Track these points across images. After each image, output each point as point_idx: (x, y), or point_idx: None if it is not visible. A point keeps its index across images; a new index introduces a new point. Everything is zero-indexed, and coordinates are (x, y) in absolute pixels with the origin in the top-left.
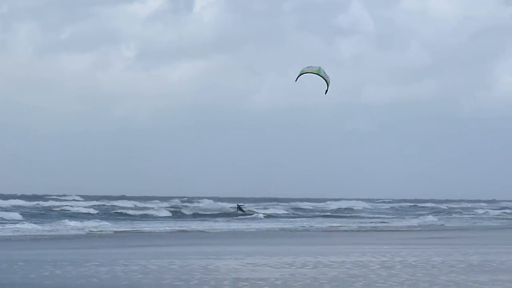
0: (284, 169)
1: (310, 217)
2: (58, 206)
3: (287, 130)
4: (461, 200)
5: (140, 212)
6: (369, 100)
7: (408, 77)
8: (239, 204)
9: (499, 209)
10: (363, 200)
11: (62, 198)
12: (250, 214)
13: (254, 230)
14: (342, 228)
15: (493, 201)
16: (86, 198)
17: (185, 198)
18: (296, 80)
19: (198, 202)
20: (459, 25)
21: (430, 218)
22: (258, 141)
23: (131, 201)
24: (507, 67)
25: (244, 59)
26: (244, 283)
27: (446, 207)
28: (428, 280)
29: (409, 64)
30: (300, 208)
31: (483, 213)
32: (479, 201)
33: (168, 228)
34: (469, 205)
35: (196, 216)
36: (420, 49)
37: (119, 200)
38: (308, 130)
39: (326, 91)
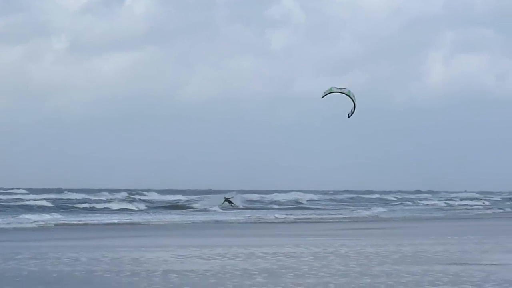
0: (217, 160)
1: (257, 208)
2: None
3: (219, 122)
4: (399, 191)
5: (99, 205)
6: (301, 92)
7: (339, 68)
8: (227, 197)
9: (443, 200)
10: (307, 192)
11: (10, 191)
12: (240, 208)
13: (190, 222)
14: (282, 220)
15: (428, 192)
16: (33, 191)
17: (129, 191)
18: (322, 97)
19: (145, 195)
20: (390, 16)
21: (380, 209)
22: (190, 132)
23: (81, 194)
24: (438, 58)
25: (176, 51)
26: (175, 275)
27: (394, 198)
28: (359, 271)
29: (340, 55)
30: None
31: (432, 204)
32: (418, 191)
33: (115, 221)
34: (413, 196)
35: (146, 208)
36: (351, 41)
37: (69, 193)
38: (239, 121)
39: (351, 113)
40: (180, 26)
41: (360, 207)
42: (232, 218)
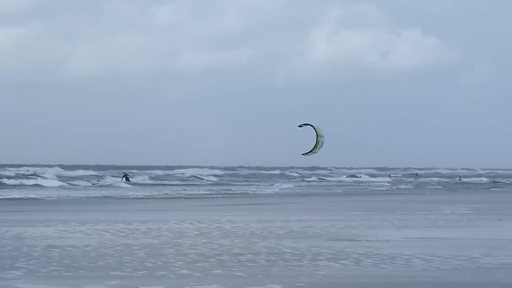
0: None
1: (160, 185)
2: None
3: (103, 97)
4: (292, 167)
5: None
6: (185, 68)
7: (223, 44)
8: (126, 173)
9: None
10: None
11: None
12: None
13: (81, 197)
14: (173, 195)
15: (311, 168)
16: None
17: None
18: (300, 126)
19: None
20: None
21: (288, 185)
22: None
23: None
24: (322, 35)
25: (60, 27)
26: (55, 249)
27: (298, 174)
28: (242, 246)
29: (224, 31)
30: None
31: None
32: (315, 167)
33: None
34: (310, 171)
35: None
36: (236, 16)
37: None
38: (123, 97)
39: (307, 153)
40: (65, 2)
41: (265, 183)
42: (129, 193)
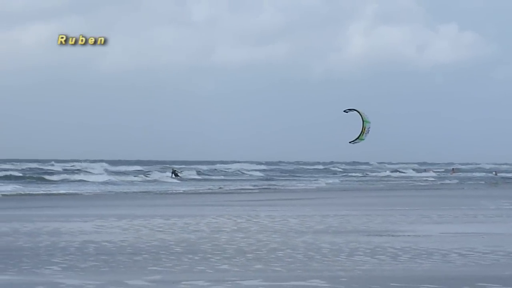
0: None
1: (208, 180)
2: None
3: (137, 92)
4: (332, 162)
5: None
6: (221, 63)
7: (260, 40)
8: (175, 169)
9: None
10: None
11: None
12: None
13: (124, 192)
14: (209, 191)
15: (352, 163)
16: None
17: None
18: (345, 111)
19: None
20: None
21: (333, 180)
22: (108, 102)
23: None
24: (359, 30)
25: (97, 22)
26: (92, 245)
27: (341, 169)
28: (280, 241)
29: (261, 27)
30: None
31: (385, 176)
32: (357, 163)
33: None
34: (351, 166)
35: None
36: (273, 12)
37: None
38: (158, 92)
39: (353, 140)
40: None
41: (311, 178)
42: (177, 188)
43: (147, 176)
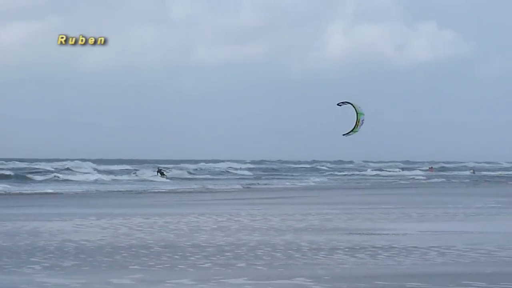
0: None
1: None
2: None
3: (118, 90)
4: (316, 161)
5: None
6: (201, 62)
7: (239, 38)
8: (160, 168)
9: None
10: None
11: None
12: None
13: (109, 191)
14: (198, 189)
15: (336, 162)
16: None
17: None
18: (339, 105)
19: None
20: None
21: (321, 179)
22: (86, 101)
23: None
24: (338, 29)
25: (77, 21)
26: (70, 244)
27: (327, 168)
28: (260, 240)
29: (241, 25)
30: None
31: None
32: (341, 161)
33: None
34: (335, 165)
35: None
36: (253, 11)
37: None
38: (138, 90)
39: (348, 133)
40: None
41: (301, 177)
42: (162, 187)
43: (136, 175)
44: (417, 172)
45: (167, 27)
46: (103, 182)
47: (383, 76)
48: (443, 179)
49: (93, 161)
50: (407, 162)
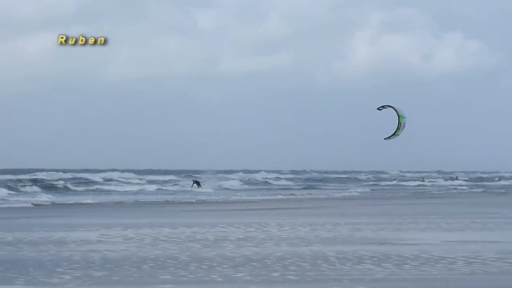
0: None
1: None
2: None
3: (144, 100)
4: (334, 171)
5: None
6: (226, 72)
7: (264, 49)
8: (195, 179)
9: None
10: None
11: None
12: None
13: (123, 201)
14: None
15: (372, 172)
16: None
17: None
18: (379, 109)
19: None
20: None
21: (363, 189)
22: (114, 110)
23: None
24: (364, 38)
25: (105, 30)
26: (95, 254)
27: (366, 178)
28: (287, 250)
29: (266, 35)
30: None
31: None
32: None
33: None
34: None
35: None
36: (278, 21)
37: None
38: (166, 100)
39: (389, 137)
40: (108, 5)
41: (344, 187)
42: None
43: (181, 186)
44: (459, 182)
45: (192, 38)
46: (144, 193)
47: (410, 86)
48: (482, 189)
49: (136, 171)
50: (439, 172)
